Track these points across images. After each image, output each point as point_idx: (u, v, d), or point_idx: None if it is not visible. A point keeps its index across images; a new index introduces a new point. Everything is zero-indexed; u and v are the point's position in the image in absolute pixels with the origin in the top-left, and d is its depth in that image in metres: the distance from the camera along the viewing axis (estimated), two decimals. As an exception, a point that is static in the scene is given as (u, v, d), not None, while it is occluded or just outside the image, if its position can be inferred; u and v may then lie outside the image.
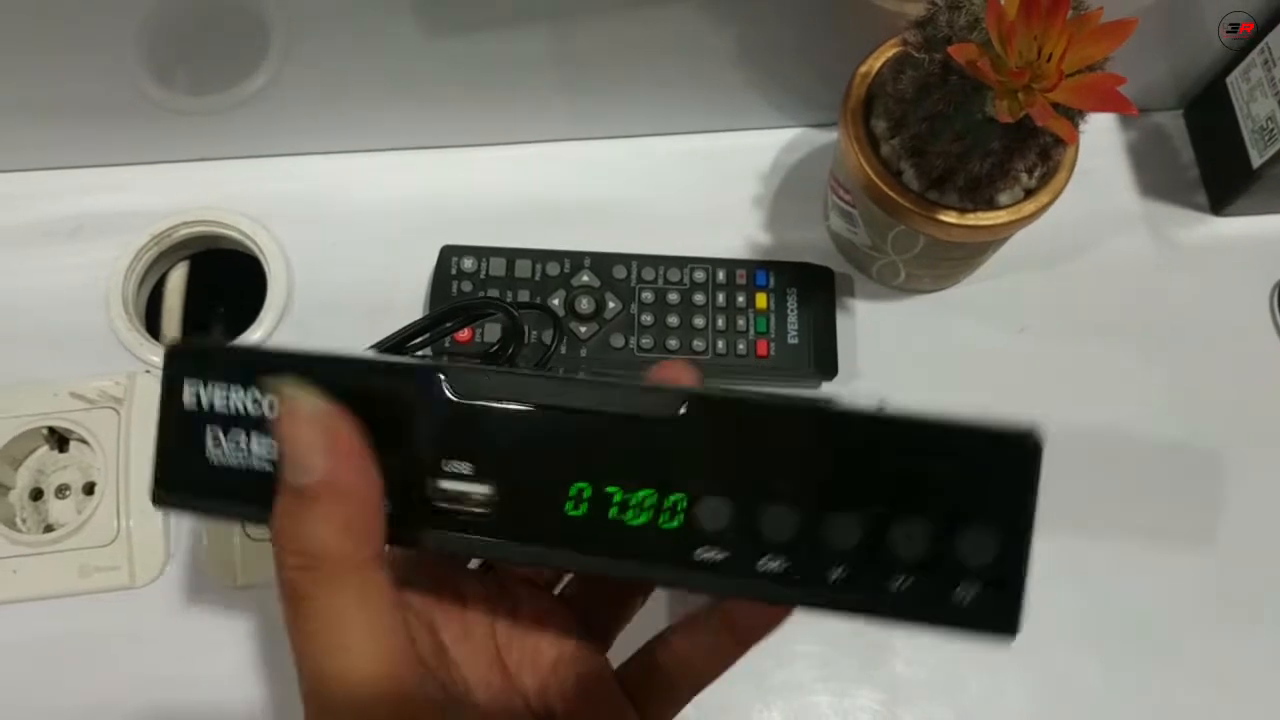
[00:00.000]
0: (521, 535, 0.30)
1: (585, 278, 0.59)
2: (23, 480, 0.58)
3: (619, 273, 0.59)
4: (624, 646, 0.38)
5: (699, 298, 0.59)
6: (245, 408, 0.30)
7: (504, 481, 0.30)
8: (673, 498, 0.28)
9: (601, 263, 0.60)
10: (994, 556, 0.27)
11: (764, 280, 0.60)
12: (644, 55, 0.60)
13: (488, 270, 0.59)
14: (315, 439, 0.28)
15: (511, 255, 0.60)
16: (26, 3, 0.52)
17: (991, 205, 0.53)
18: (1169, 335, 0.63)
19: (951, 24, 0.47)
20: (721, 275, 0.60)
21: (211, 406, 0.31)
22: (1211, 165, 0.66)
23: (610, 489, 0.29)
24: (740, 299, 0.59)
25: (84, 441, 0.57)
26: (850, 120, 0.54)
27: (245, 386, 0.31)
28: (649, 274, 0.59)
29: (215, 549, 0.56)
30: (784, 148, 0.66)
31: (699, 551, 0.28)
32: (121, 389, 0.57)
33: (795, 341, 0.59)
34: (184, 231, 0.62)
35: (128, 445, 0.56)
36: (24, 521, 0.57)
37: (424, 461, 0.30)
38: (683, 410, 0.28)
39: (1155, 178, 0.67)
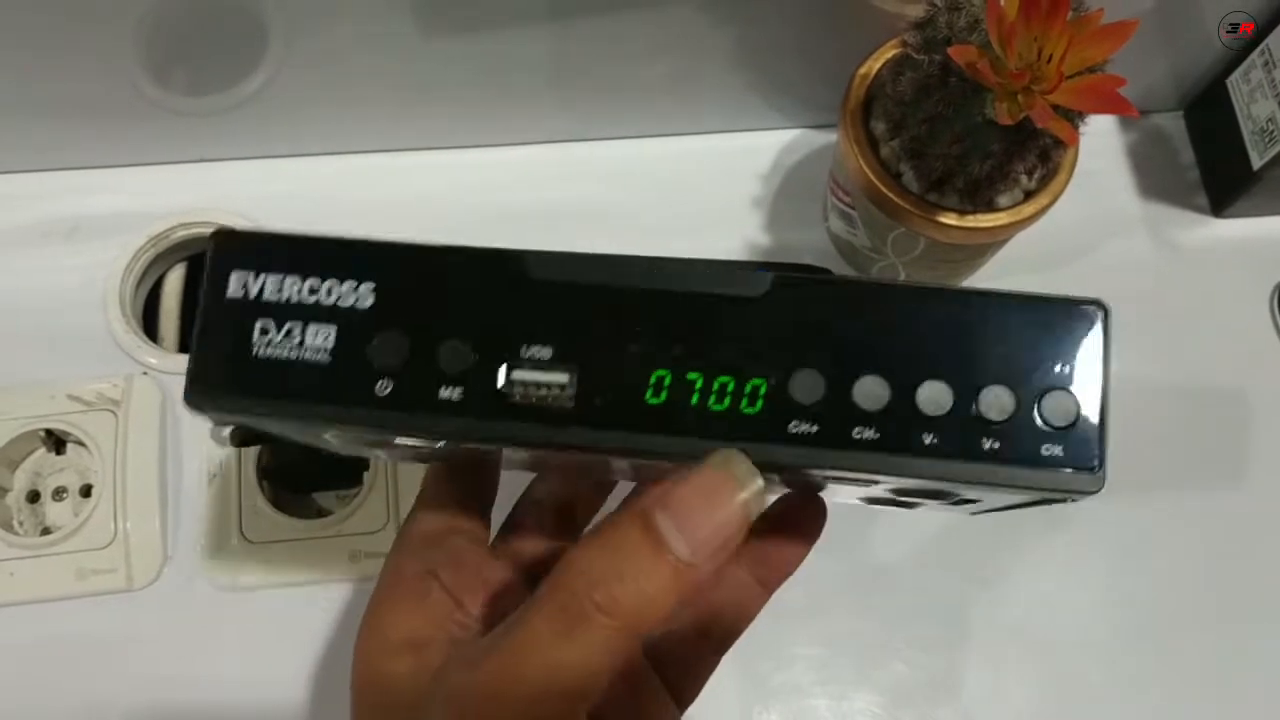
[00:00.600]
0: (601, 423, 0.29)
1: (584, 279, 0.59)
2: (19, 482, 0.58)
3: (618, 274, 0.59)
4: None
5: (698, 299, 0.59)
6: (300, 297, 0.29)
7: (584, 368, 0.29)
8: (753, 383, 0.29)
9: (600, 264, 0.59)
10: (1075, 416, 0.28)
11: (763, 282, 0.59)
12: (642, 56, 0.60)
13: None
14: (726, 535, 0.27)
15: (510, 256, 0.59)
16: (23, 1, 0.51)
17: (991, 207, 0.53)
18: (1169, 337, 0.62)
19: (951, 25, 0.46)
20: (721, 277, 0.59)
21: (260, 296, 0.29)
22: (1212, 167, 0.66)
23: (691, 375, 0.29)
24: (739, 301, 0.59)
25: (81, 444, 0.57)
26: (850, 122, 0.54)
27: (303, 275, 0.29)
28: (648, 275, 0.59)
29: (213, 551, 0.56)
30: (783, 149, 0.66)
31: (792, 425, 0.29)
32: (119, 391, 0.57)
33: (795, 343, 0.58)
34: (181, 233, 0.61)
35: (125, 448, 0.56)
36: (21, 524, 0.57)
37: (502, 347, 0.29)
38: (768, 288, 0.29)
39: (1155, 179, 0.66)
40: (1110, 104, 0.42)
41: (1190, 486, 0.60)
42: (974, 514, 0.44)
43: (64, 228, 0.63)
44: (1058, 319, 0.29)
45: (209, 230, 0.59)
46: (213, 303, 0.30)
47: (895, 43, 0.54)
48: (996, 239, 0.55)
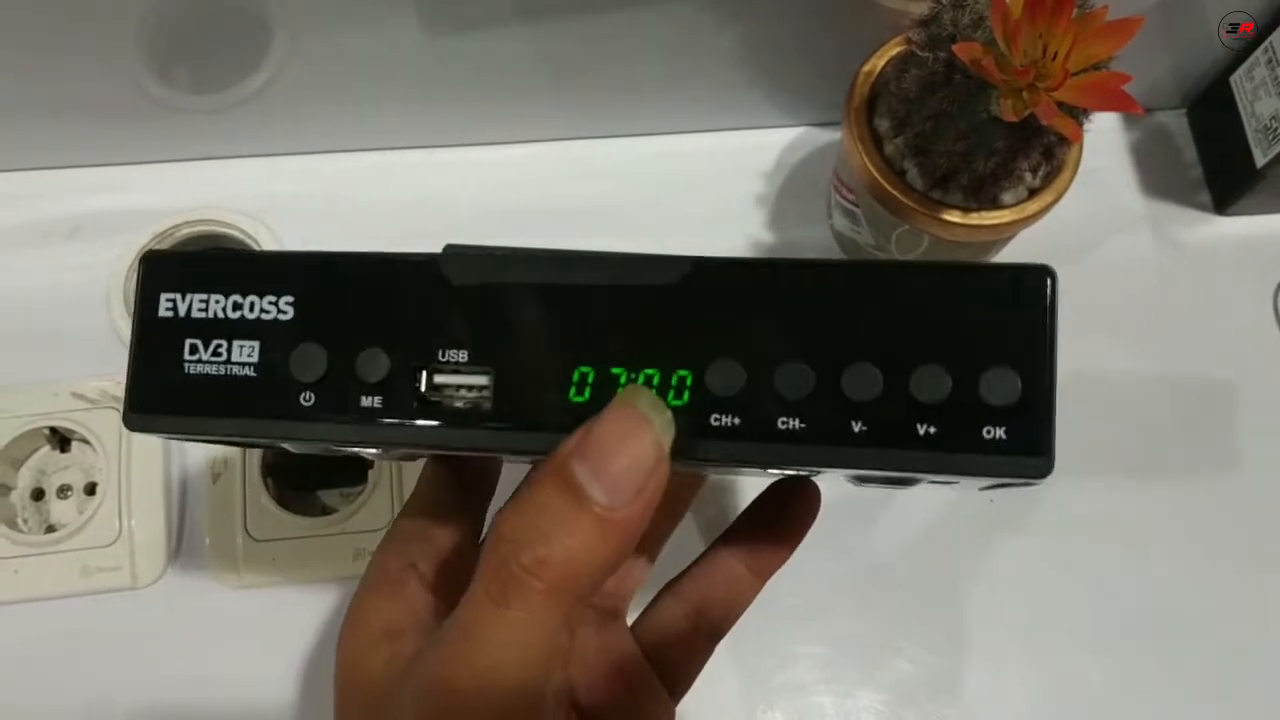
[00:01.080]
0: (523, 424, 0.29)
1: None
2: (24, 480, 0.58)
3: (621, 272, 0.59)
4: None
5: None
6: (225, 313, 0.30)
7: (502, 368, 0.29)
8: (680, 373, 0.28)
9: (603, 262, 0.59)
10: (1019, 395, 0.26)
11: (767, 280, 0.59)
12: (645, 53, 0.60)
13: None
14: (643, 471, 0.26)
15: (514, 255, 0.59)
16: (25, 0, 0.51)
17: (995, 204, 0.53)
18: (1171, 335, 0.62)
19: (955, 22, 0.46)
20: (724, 275, 0.59)
21: (189, 314, 0.30)
22: (1215, 165, 0.66)
23: (615, 370, 0.29)
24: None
25: (85, 442, 0.57)
26: (854, 119, 0.54)
27: (226, 292, 0.30)
28: (651, 273, 0.59)
29: (218, 549, 0.56)
30: (786, 147, 0.66)
31: (712, 417, 0.28)
32: (123, 389, 0.57)
33: (798, 341, 0.58)
34: (185, 231, 0.61)
35: (129, 445, 0.56)
36: (25, 522, 0.57)
37: (418, 352, 0.29)
38: (684, 276, 0.29)
39: (1158, 177, 0.66)
40: (1115, 101, 0.42)
41: (1191, 484, 0.60)
42: (982, 490, 0.40)
43: (66, 227, 0.63)
44: (997, 288, 0.27)
45: (212, 229, 0.61)
46: (145, 324, 0.31)
47: (899, 40, 0.54)
48: (1001, 236, 0.55)
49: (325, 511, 0.57)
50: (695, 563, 0.40)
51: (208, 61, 0.59)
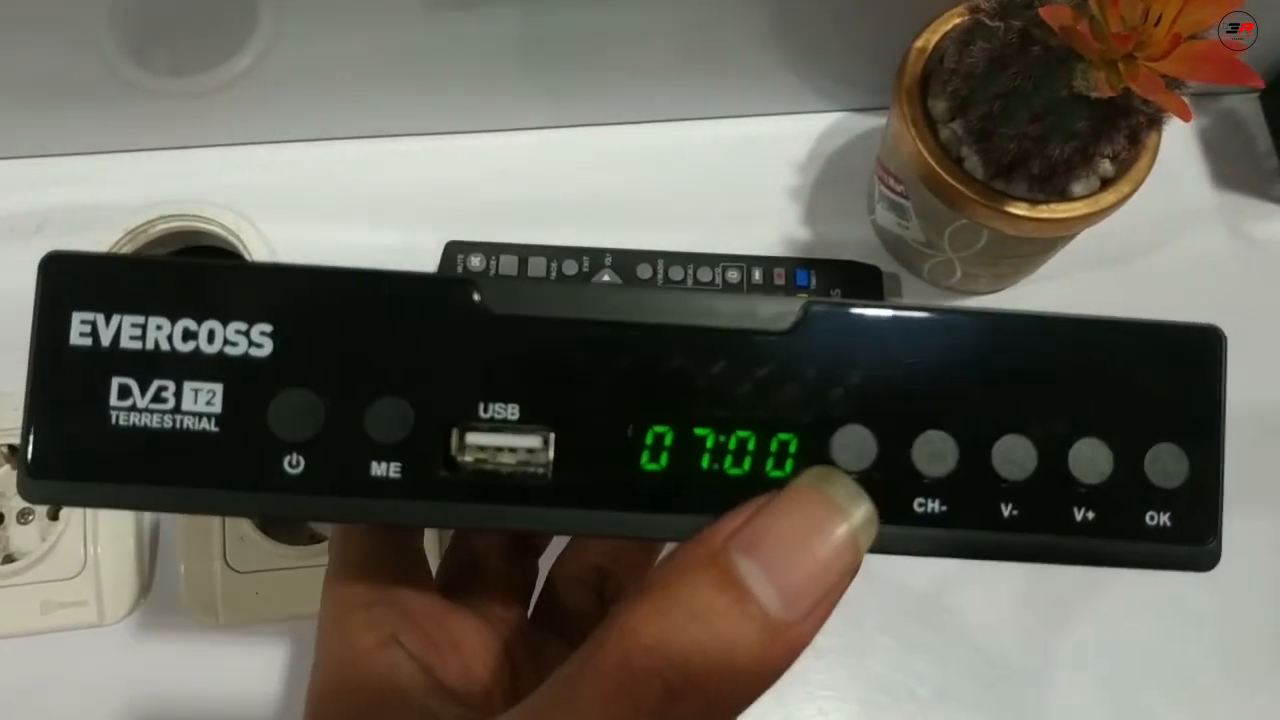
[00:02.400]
0: (586, 500, 0.23)
1: (606, 277, 0.54)
2: (-19, 503, 0.52)
3: (643, 272, 0.54)
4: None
5: (733, 300, 0.53)
6: (172, 344, 0.23)
7: (561, 427, 0.23)
8: (782, 437, 0.23)
9: (624, 261, 0.54)
10: (1186, 474, 0.23)
11: (805, 280, 0.54)
12: (669, 32, 0.55)
13: (497, 269, 0.53)
14: (828, 580, 0.21)
15: (524, 252, 0.54)
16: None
17: (1065, 196, 0.47)
18: (1246, 338, 0.56)
19: (1033, -14, 0.41)
20: (758, 275, 0.54)
21: (116, 344, 0.22)
22: (1292, 154, 0.60)
23: (700, 431, 0.23)
24: (779, 301, 0.53)
25: (48, 460, 0.51)
26: (905, 101, 0.48)
27: (172, 315, 0.23)
28: (677, 273, 0.54)
29: (194, 581, 0.50)
30: (823, 134, 0.61)
31: None
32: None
33: (840, 348, 0.53)
34: (161, 227, 0.56)
35: (96, 465, 0.51)
36: (-19, 549, 0.51)
37: (452, 406, 0.23)
38: (794, 322, 0.23)
39: (1230, 167, 0.61)
40: (1231, 72, 0.36)
41: (1269, 497, 0.54)
42: None
43: (31, 222, 0.58)
44: (1162, 350, 0.24)
45: (191, 224, 0.55)
46: (49, 354, 0.22)
47: (958, 12, 0.49)
48: (1070, 231, 0.49)
49: (314, 539, 0.51)
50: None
51: (187, 41, 0.54)
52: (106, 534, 0.50)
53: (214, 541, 0.50)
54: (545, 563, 0.35)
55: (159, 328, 0.23)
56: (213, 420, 0.23)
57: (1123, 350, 0.24)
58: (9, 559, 0.51)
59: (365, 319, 0.23)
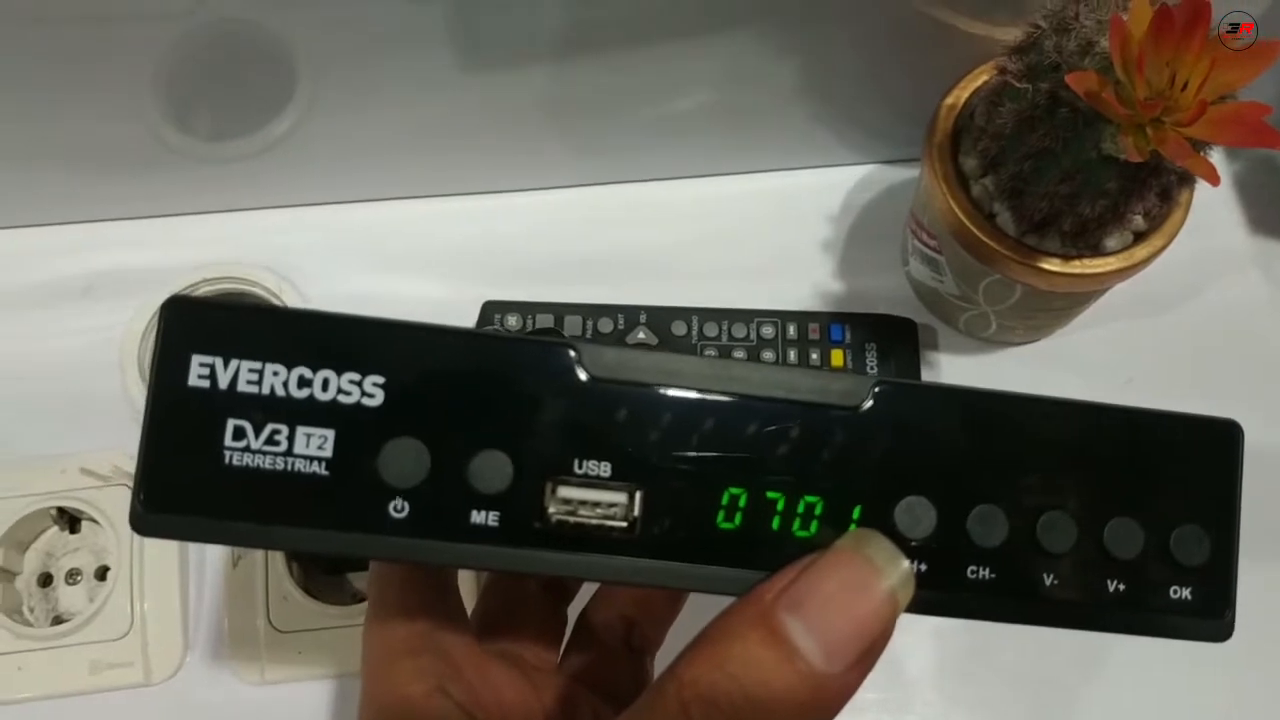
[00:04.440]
0: (664, 552, 0.25)
1: (641, 335, 0.54)
2: (30, 565, 0.53)
3: (678, 329, 0.54)
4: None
5: (768, 355, 0.53)
6: (287, 391, 0.24)
7: (646, 486, 0.24)
8: (847, 504, 0.25)
9: (659, 318, 0.54)
10: (1208, 554, 0.26)
11: (839, 334, 0.54)
12: (701, 88, 0.55)
13: (534, 328, 0.54)
14: (867, 635, 0.22)
15: (560, 311, 0.54)
16: (36, 45, 0.48)
17: (1098, 251, 0.47)
18: (1288, 389, 0.56)
19: (1060, 49, 0.41)
20: (792, 329, 0.54)
21: (233, 388, 0.23)
22: (1329, 198, 0.60)
23: (771, 495, 0.25)
24: (814, 356, 0.54)
25: (96, 521, 0.52)
26: (936, 157, 0.49)
27: (288, 363, 0.24)
28: (711, 330, 0.54)
29: (238, 640, 0.51)
30: (855, 186, 0.61)
31: None
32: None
33: (875, 403, 0.53)
34: (204, 289, 0.57)
35: (143, 527, 0.51)
36: (32, 610, 0.52)
37: (549, 461, 0.24)
38: (868, 401, 0.25)
39: (1265, 213, 0.60)
40: (1257, 136, 0.36)
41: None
42: None
43: (78, 285, 0.59)
44: (1188, 440, 0.26)
45: (233, 285, 0.56)
46: (168, 392, 0.23)
47: (987, 69, 0.49)
48: (1103, 285, 0.49)
49: (357, 598, 0.51)
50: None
51: (228, 107, 0.55)
52: (152, 594, 0.51)
53: (257, 601, 0.51)
54: (573, 609, 0.36)
55: (275, 374, 0.24)
56: (323, 464, 0.24)
57: (1155, 439, 0.26)
58: (58, 620, 0.52)
59: (472, 376, 0.24)
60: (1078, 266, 0.47)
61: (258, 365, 0.24)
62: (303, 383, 0.24)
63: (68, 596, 0.53)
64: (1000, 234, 0.47)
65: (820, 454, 0.25)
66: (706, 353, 0.53)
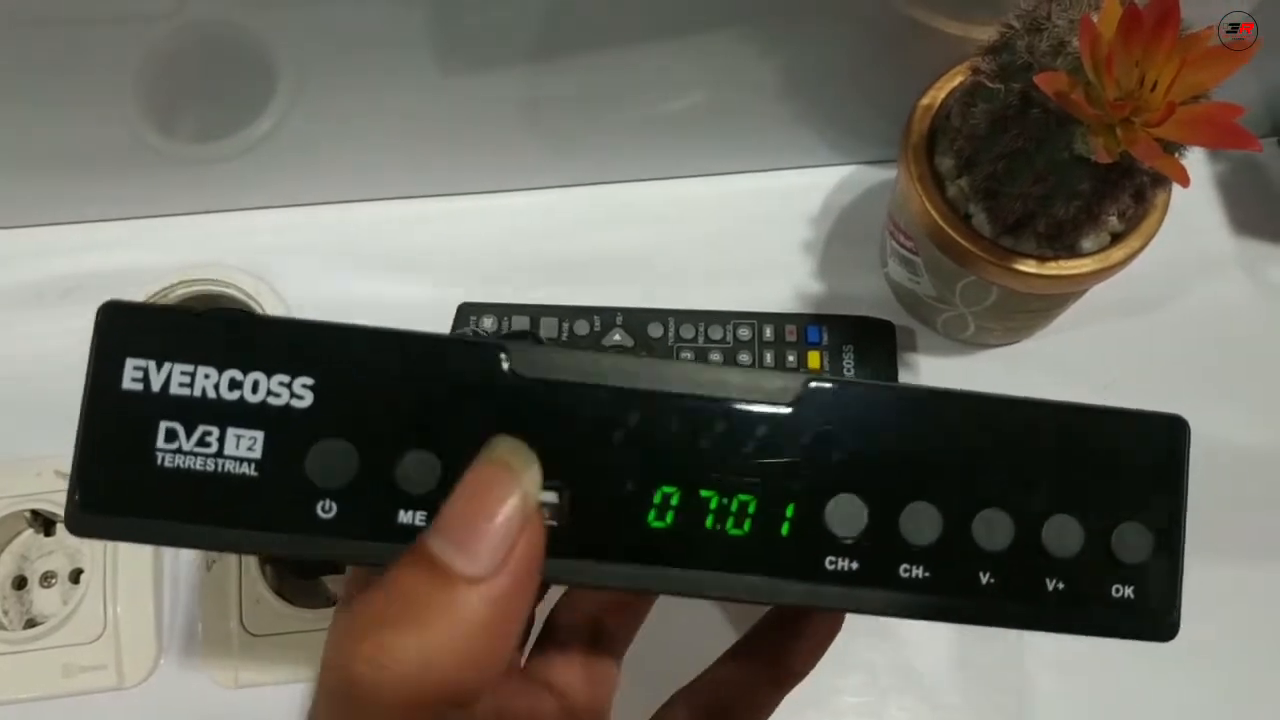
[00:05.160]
0: (595, 552, 0.25)
1: (617, 336, 0.54)
2: (5, 567, 0.53)
3: (655, 331, 0.54)
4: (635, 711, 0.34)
5: (744, 357, 0.53)
6: (219, 393, 0.24)
7: (576, 486, 0.25)
8: (779, 502, 0.25)
9: (635, 320, 0.54)
10: (1150, 551, 0.25)
11: (816, 336, 0.54)
12: (679, 89, 0.55)
13: (509, 330, 0.54)
14: (507, 528, 0.22)
15: (536, 313, 0.54)
16: (15, 47, 0.48)
17: (1074, 252, 0.47)
18: (1268, 391, 0.56)
19: (1032, 49, 0.41)
20: (769, 331, 0.54)
21: (166, 390, 0.24)
22: (1312, 199, 0.59)
23: (705, 493, 0.25)
24: (790, 358, 0.53)
25: (71, 524, 0.52)
26: (912, 158, 0.48)
27: (219, 365, 0.24)
28: (688, 331, 0.54)
29: (211, 644, 0.50)
30: (835, 187, 0.60)
31: (828, 560, 0.25)
32: (111, 467, 0.52)
33: (853, 405, 0.52)
34: (181, 291, 0.56)
35: (117, 529, 0.51)
36: (6, 614, 0.52)
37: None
38: (800, 400, 0.25)
39: (1249, 214, 0.60)
40: (1228, 137, 0.36)
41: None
42: None
43: (59, 287, 0.59)
44: (1134, 437, 0.26)
45: (211, 288, 0.56)
46: (102, 396, 0.24)
47: (963, 69, 0.48)
48: (1080, 287, 0.49)
49: (330, 602, 0.51)
50: (711, 668, 0.35)
51: (208, 109, 0.55)
52: (126, 598, 0.51)
53: (231, 604, 0.50)
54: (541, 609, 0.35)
55: (207, 376, 0.24)
56: (252, 465, 0.24)
57: (1098, 435, 0.25)
58: (31, 623, 0.51)
59: (401, 377, 0.24)
60: (1054, 268, 0.46)
61: (190, 368, 0.24)
62: (233, 385, 0.24)
63: (42, 599, 0.52)
64: (976, 235, 0.47)
65: (752, 452, 0.25)
66: (683, 355, 0.53)
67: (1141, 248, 0.47)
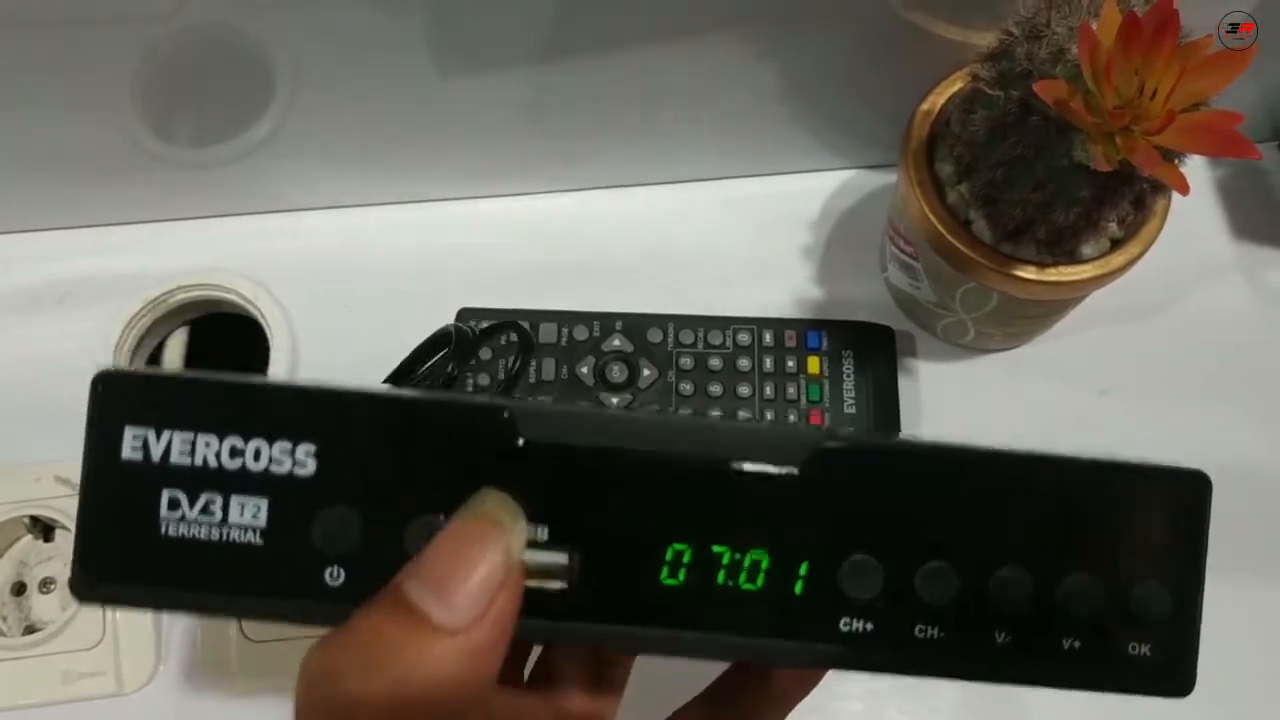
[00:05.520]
0: (607, 614, 0.24)
1: (617, 342, 0.53)
2: (4, 574, 0.53)
3: (654, 336, 0.54)
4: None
5: (744, 363, 0.53)
6: (220, 461, 0.24)
7: (586, 547, 0.24)
8: (793, 560, 0.24)
9: (635, 325, 0.54)
10: (1168, 610, 0.25)
11: (816, 342, 0.54)
12: (679, 93, 0.55)
13: (506, 340, 0.53)
14: (488, 580, 0.22)
15: (535, 318, 0.54)
16: (12, 51, 0.48)
17: (1074, 258, 0.47)
18: (1272, 393, 0.56)
19: (1031, 57, 0.41)
20: (768, 337, 0.54)
21: (166, 459, 0.24)
22: (1313, 203, 0.59)
23: (717, 549, 0.24)
24: (790, 363, 0.53)
25: (70, 530, 0.52)
26: (912, 164, 0.48)
27: (220, 433, 0.24)
28: (687, 337, 0.54)
29: (210, 651, 0.51)
30: (835, 192, 0.60)
31: (843, 621, 0.24)
32: (110, 472, 0.52)
33: (852, 410, 0.52)
34: (180, 296, 0.56)
35: (115, 535, 0.51)
36: (5, 619, 0.52)
37: None
38: (807, 460, 0.24)
39: (1249, 218, 0.60)
40: (1228, 145, 0.36)
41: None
42: None
43: (55, 293, 0.59)
44: (1153, 493, 0.25)
45: (209, 293, 0.56)
46: (102, 466, 0.24)
47: (962, 75, 0.48)
48: (1079, 293, 0.49)
49: (329, 607, 0.51)
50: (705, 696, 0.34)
51: (207, 112, 0.55)
52: (126, 603, 0.51)
53: (230, 611, 0.51)
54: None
55: (207, 444, 0.24)
56: (257, 533, 0.24)
57: (1118, 491, 0.25)
58: (30, 629, 0.52)
59: (406, 441, 0.24)
60: (1053, 274, 0.46)
61: (189, 435, 0.24)
62: (235, 453, 0.24)
63: (41, 605, 0.52)
64: (976, 241, 0.47)
65: (765, 510, 0.24)
66: (682, 360, 0.53)
67: (1141, 254, 0.47)
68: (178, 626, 0.51)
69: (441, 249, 0.59)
